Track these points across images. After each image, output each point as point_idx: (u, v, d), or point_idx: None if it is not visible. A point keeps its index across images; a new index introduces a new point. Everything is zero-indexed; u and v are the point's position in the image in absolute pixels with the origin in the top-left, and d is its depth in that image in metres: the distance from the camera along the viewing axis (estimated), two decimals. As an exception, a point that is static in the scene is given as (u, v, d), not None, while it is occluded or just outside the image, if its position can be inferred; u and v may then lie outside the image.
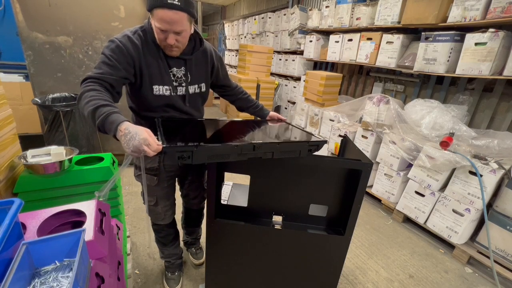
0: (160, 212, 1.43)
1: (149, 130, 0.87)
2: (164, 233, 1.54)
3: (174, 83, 1.17)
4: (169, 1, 0.94)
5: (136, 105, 1.22)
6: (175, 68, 1.16)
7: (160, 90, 1.14)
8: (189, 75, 1.20)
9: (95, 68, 1.03)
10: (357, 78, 4.01)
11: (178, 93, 1.20)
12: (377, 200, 2.88)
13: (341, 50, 3.61)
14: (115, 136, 0.86)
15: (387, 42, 2.95)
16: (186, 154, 0.90)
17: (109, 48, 1.04)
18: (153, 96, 1.15)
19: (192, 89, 1.24)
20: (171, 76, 1.15)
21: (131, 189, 2.75)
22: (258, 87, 4.74)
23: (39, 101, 2.35)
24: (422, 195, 2.37)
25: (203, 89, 1.30)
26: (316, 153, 1.14)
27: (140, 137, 0.82)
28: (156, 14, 0.98)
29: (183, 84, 1.20)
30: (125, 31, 1.10)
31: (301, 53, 4.60)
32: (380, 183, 2.78)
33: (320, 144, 1.14)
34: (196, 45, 1.20)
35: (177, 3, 0.95)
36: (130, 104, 1.26)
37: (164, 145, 0.86)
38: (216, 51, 1.35)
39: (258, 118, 1.56)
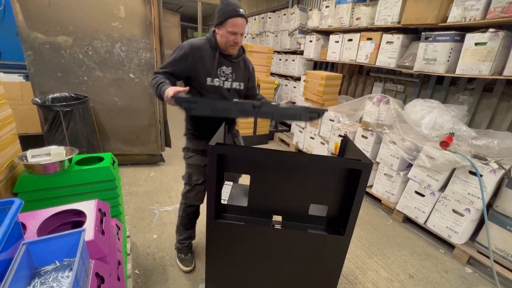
0: (201, 191, 1.67)
1: (175, 87, 1.26)
2: (194, 215, 1.78)
3: (222, 78, 1.53)
4: (241, 12, 1.40)
5: (195, 92, 1.53)
6: (224, 67, 1.52)
7: (211, 81, 1.51)
8: (234, 74, 1.56)
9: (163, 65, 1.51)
10: (357, 78, 4.01)
11: (225, 86, 1.54)
12: (377, 200, 2.88)
13: (341, 50, 3.61)
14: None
15: (387, 42, 2.95)
16: (192, 105, 1.13)
17: (175, 51, 1.49)
18: (206, 85, 1.50)
19: (235, 84, 1.58)
20: (221, 72, 1.52)
21: (131, 189, 2.75)
22: (258, 87, 4.74)
23: (39, 101, 2.35)
24: (422, 195, 2.37)
25: (242, 87, 1.63)
26: (316, 153, 1.14)
27: (167, 90, 1.25)
28: (231, 22, 1.39)
29: (229, 80, 1.55)
30: (190, 40, 1.50)
31: (301, 53, 4.60)
32: (380, 183, 2.78)
33: (320, 112, 1.21)
34: (240, 53, 1.58)
35: (244, 13, 1.42)
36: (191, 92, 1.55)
37: (176, 96, 1.17)
38: (251, 62, 1.70)
39: None
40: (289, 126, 4.87)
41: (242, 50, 1.60)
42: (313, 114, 1.20)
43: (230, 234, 1.27)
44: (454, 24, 2.36)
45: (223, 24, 1.42)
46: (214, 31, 1.50)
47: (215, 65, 1.49)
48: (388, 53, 2.97)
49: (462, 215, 2.11)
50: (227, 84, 1.55)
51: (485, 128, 2.53)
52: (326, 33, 4.10)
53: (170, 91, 1.23)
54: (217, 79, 1.51)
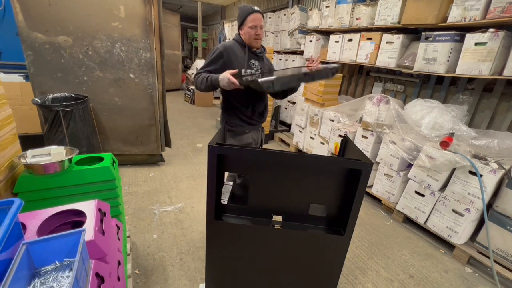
0: None
1: (229, 71, 1.54)
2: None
3: (254, 69, 1.77)
4: (255, 9, 1.68)
5: None
6: (253, 60, 1.78)
7: (245, 72, 1.71)
8: (260, 66, 1.82)
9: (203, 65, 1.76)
10: (357, 78, 4.01)
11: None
12: (377, 200, 2.88)
13: (341, 50, 3.61)
14: (219, 85, 1.58)
15: (387, 42, 2.95)
16: (271, 82, 1.37)
17: (210, 53, 1.74)
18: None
19: (265, 75, 1.79)
20: (251, 65, 1.77)
21: (131, 189, 2.75)
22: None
23: (39, 101, 2.35)
24: (422, 195, 2.37)
25: None
26: (316, 153, 1.15)
27: (225, 76, 1.52)
28: (249, 18, 1.67)
29: (259, 71, 1.80)
30: (221, 43, 1.77)
31: (301, 53, 4.59)
32: (380, 183, 2.78)
33: (337, 68, 1.67)
34: (262, 50, 1.85)
35: (259, 9, 1.70)
36: None
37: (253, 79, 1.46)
38: (269, 59, 1.98)
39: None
40: (289, 126, 4.87)
41: (263, 47, 1.87)
42: (334, 70, 1.64)
43: (230, 234, 1.27)
44: (454, 24, 2.36)
45: (244, 23, 1.70)
46: (238, 34, 1.78)
47: (246, 58, 1.74)
48: (388, 53, 2.97)
49: (462, 215, 2.11)
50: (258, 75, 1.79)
51: (485, 128, 2.53)
52: (326, 33, 4.10)
53: (226, 73, 1.51)
54: (249, 70, 1.76)
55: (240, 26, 1.75)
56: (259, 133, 2.00)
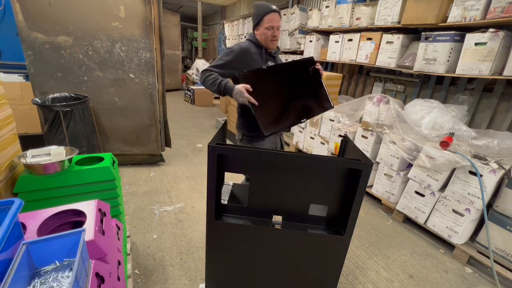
0: None
1: (245, 85, 1.46)
2: None
3: None
4: (273, 8, 1.59)
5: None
6: (269, 62, 1.73)
7: None
8: None
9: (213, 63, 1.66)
10: (357, 78, 4.01)
11: None
12: (377, 200, 2.88)
13: (341, 50, 3.61)
14: (231, 95, 1.52)
15: (387, 42, 2.95)
16: None
17: (224, 53, 1.65)
18: None
19: None
20: (268, 66, 1.68)
21: (131, 189, 2.75)
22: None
23: (39, 101, 2.35)
24: (422, 195, 2.37)
25: None
26: (316, 153, 1.15)
27: (241, 91, 1.45)
28: (266, 18, 1.58)
29: None
30: (237, 44, 1.68)
31: (301, 53, 4.59)
32: (380, 183, 2.78)
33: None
34: (277, 50, 1.79)
35: (276, 8, 1.61)
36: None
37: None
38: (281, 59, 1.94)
39: None
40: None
41: (278, 48, 1.81)
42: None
43: (230, 234, 1.27)
44: (454, 24, 2.36)
45: (260, 23, 1.62)
46: (253, 34, 1.70)
47: (263, 60, 1.70)
48: (388, 53, 2.97)
49: (462, 215, 2.11)
50: None
51: (485, 128, 2.53)
52: (326, 33, 4.10)
53: (242, 88, 1.44)
54: None
55: (255, 26, 1.65)
56: (277, 137, 1.90)
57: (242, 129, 1.79)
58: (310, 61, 1.73)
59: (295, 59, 1.73)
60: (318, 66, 1.74)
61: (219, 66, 1.61)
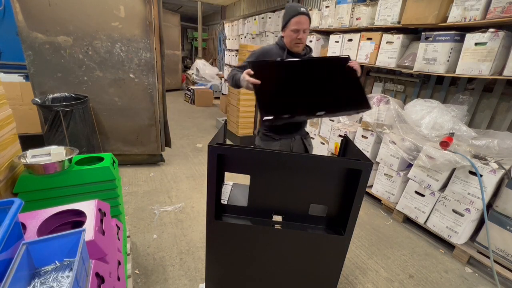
0: None
1: (247, 70, 1.43)
2: None
3: None
4: (301, 10, 1.53)
5: None
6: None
7: None
8: None
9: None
10: (357, 78, 4.00)
11: None
12: (377, 200, 2.88)
13: (341, 50, 3.61)
14: (242, 85, 1.53)
15: (387, 42, 2.95)
16: None
17: (249, 55, 1.69)
18: None
19: None
20: None
21: (131, 189, 2.75)
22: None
23: (39, 101, 2.35)
24: (422, 195, 2.37)
25: None
26: (316, 153, 1.15)
27: (243, 75, 1.44)
28: (293, 21, 1.53)
29: None
30: (264, 46, 1.74)
31: (301, 53, 4.59)
32: (380, 183, 2.78)
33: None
34: (306, 52, 1.72)
35: (305, 11, 1.54)
36: None
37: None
38: None
39: None
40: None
41: (309, 49, 1.74)
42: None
43: (230, 234, 1.27)
44: (454, 24, 2.35)
45: (287, 25, 1.58)
46: (281, 37, 1.68)
47: None
48: (388, 53, 2.96)
49: (462, 215, 2.11)
50: None
51: (485, 128, 2.53)
52: (326, 33, 4.10)
53: (244, 73, 1.43)
54: None
55: (283, 28, 1.63)
56: (294, 141, 1.77)
57: (262, 126, 1.79)
58: (345, 58, 1.60)
59: (326, 56, 1.68)
60: (354, 64, 1.58)
61: (241, 66, 1.68)
